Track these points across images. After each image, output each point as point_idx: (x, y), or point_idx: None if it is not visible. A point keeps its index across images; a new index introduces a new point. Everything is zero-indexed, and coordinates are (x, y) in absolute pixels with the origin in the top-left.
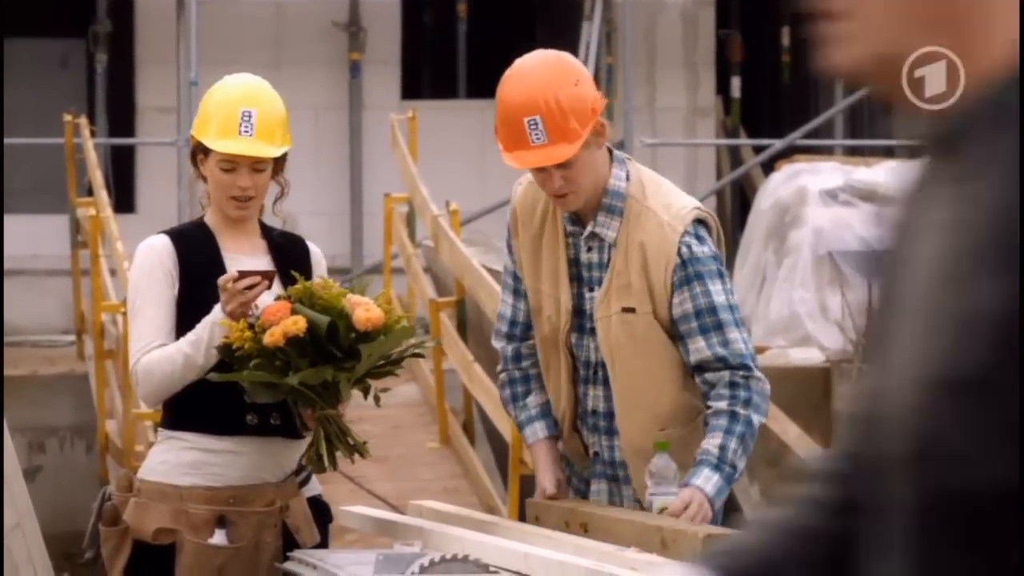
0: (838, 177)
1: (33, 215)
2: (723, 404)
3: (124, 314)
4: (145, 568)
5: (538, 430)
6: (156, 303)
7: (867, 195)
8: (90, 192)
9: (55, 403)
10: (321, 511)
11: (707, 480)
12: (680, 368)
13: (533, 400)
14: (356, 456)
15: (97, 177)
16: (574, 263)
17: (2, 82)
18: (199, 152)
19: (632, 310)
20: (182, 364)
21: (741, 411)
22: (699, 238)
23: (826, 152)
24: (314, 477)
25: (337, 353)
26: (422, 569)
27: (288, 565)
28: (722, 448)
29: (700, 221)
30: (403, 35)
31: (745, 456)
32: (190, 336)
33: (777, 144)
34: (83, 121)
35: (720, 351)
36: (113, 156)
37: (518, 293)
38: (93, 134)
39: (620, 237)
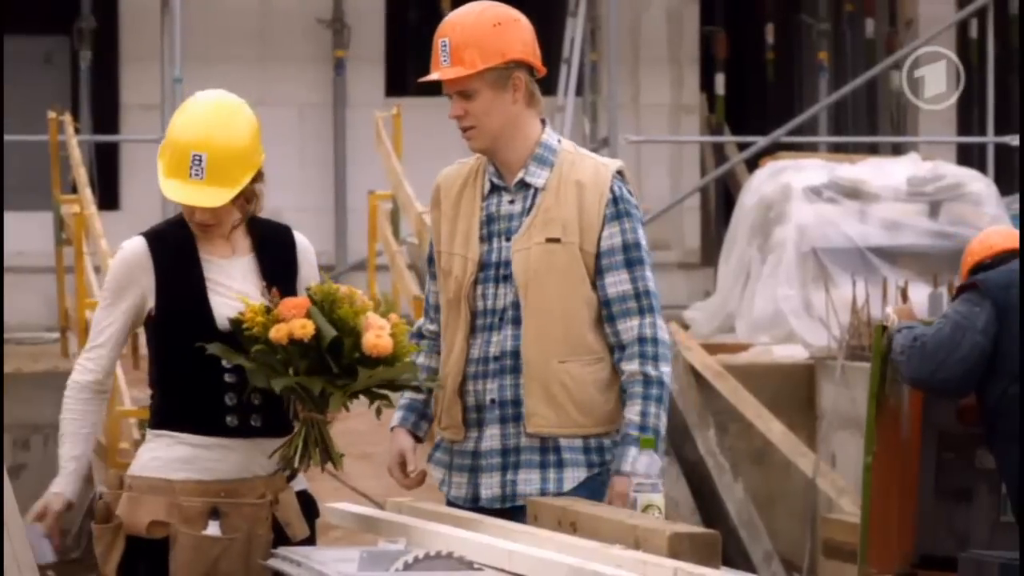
0: (822, 174)
1: (17, 212)
2: (635, 366)
3: None
4: (138, 564)
5: (398, 418)
6: (112, 308)
7: (851, 192)
8: (74, 189)
9: (39, 400)
10: (308, 505)
11: (634, 462)
12: (590, 308)
13: (410, 392)
14: (350, 448)
15: (81, 174)
16: (487, 222)
17: (2, 79)
18: None
19: (557, 240)
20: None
21: (652, 372)
22: (625, 184)
23: (810, 149)
24: (301, 472)
25: (334, 368)
26: (406, 566)
27: (273, 562)
28: (643, 415)
29: (622, 174)
30: (387, 32)
31: (665, 414)
32: (68, 450)
33: (761, 141)
34: (67, 118)
35: (639, 286)
36: (97, 153)
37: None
38: (77, 131)
39: (551, 182)
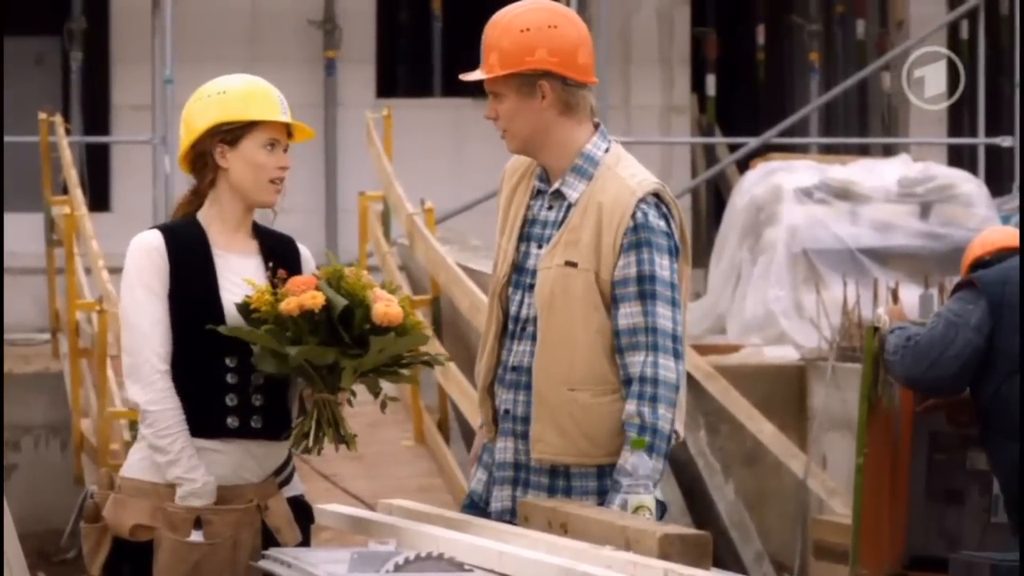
0: (813, 175)
1: (7, 213)
2: (632, 407)
3: (100, 312)
4: (123, 565)
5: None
6: (152, 299)
7: (842, 193)
8: (65, 190)
9: (30, 401)
10: (303, 511)
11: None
12: (602, 337)
13: None
14: (341, 448)
15: (72, 175)
16: (530, 222)
17: (2, 80)
18: (222, 144)
19: (574, 265)
20: (155, 452)
21: (648, 416)
22: (657, 209)
23: (801, 150)
24: (296, 477)
25: (346, 338)
26: (397, 567)
27: (263, 564)
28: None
29: (659, 196)
30: (378, 33)
31: (660, 459)
32: (183, 461)
33: (752, 142)
34: (58, 119)
35: (649, 320)
36: (88, 154)
37: None
38: (68, 132)
39: (583, 197)
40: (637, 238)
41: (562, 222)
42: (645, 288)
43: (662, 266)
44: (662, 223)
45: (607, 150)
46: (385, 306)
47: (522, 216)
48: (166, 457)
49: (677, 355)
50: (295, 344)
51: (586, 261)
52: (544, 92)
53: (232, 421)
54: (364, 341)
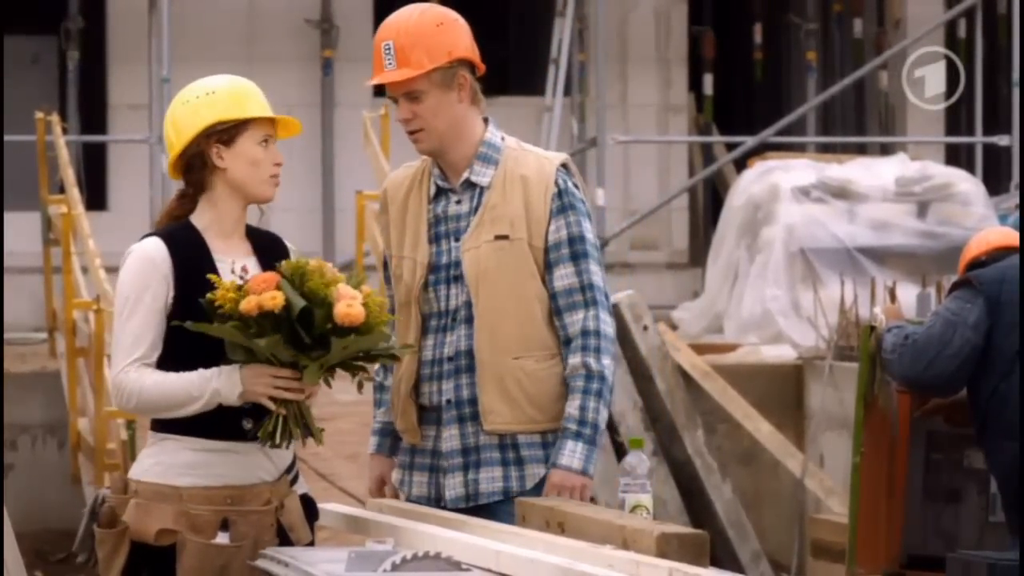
0: (810, 174)
1: (5, 212)
2: (577, 359)
3: (97, 311)
4: (142, 570)
5: (373, 444)
6: (146, 312)
7: (839, 192)
8: (62, 190)
9: (27, 401)
10: (308, 508)
11: (571, 455)
12: (542, 304)
13: (381, 413)
14: (339, 448)
15: (69, 175)
16: (435, 224)
17: (2, 80)
18: (218, 144)
19: (505, 237)
20: (178, 404)
21: (594, 365)
22: (570, 177)
23: (798, 149)
24: (301, 475)
25: (306, 339)
26: (394, 566)
27: (260, 563)
28: (582, 410)
29: (567, 167)
30: (375, 32)
31: (606, 407)
32: (193, 382)
33: (749, 141)
34: (55, 118)
35: (584, 279)
36: (85, 153)
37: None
38: (65, 131)
39: (496, 178)
40: (562, 203)
41: (477, 208)
42: (577, 249)
43: (586, 228)
44: (577, 190)
45: (502, 138)
46: (347, 306)
47: (425, 221)
48: (187, 408)
49: (609, 311)
50: (259, 338)
51: (518, 231)
52: (462, 83)
53: (246, 423)
54: (326, 341)
